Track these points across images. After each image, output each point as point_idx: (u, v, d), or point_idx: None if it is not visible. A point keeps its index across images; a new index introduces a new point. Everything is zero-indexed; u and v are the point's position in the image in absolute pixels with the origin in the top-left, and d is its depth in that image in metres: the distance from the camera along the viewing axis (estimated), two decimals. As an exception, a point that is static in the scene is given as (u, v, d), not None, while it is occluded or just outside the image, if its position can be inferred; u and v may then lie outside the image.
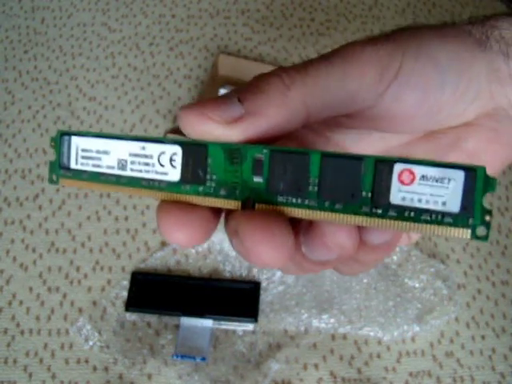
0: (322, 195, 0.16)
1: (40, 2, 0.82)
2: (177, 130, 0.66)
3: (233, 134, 0.17)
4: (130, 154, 0.18)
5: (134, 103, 0.72)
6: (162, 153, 0.18)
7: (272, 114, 0.18)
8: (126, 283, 0.57)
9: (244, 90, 0.18)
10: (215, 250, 0.60)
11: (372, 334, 0.55)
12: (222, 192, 0.17)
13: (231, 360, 0.53)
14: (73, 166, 0.19)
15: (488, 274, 0.61)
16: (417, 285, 0.58)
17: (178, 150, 0.18)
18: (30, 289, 0.57)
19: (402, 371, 0.54)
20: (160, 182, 0.19)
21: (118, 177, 0.19)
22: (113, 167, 0.19)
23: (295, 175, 0.16)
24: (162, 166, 0.18)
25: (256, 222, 0.16)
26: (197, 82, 0.75)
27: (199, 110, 0.18)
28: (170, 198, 0.20)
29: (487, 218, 0.15)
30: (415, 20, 0.84)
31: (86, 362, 0.53)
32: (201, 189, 0.18)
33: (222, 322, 0.55)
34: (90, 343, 0.54)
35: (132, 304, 0.55)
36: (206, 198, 0.18)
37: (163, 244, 0.60)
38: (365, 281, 0.57)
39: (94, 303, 0.56)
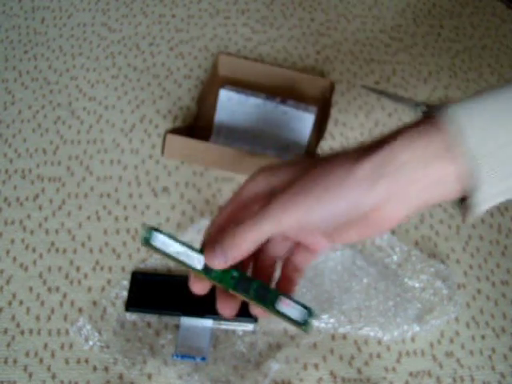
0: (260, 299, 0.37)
1: (40, 1, 0.82)
2: (176, 130, 0.66)
3: (225, 267, 0.36)
4: (179, 252, 0.37)
5: (133, 103, 0.72)
6: (198, 258, 0.36)
7: (239, 255, 0.35)
8: (126, 283, 0.57)
9: (224, 245, 0.35)
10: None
11: (372, 333, 0.55)
12: (216, 277, 0.37)
13: (231, 360, 0.53)
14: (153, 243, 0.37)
15: (488, 273, 0.61)
16: (417, 285, 0.58)
17: (202, 258, 0.36)
18: (30, 289, 0.57)
19: (402, 371, 0.54)
20: (193, 267, 0.37)
21: (174, 257, 0.37)
22: (173, 252, 0.37)
23: (244, 285, 0.37)
24: (195, 261, 0.37)
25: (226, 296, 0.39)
26: (197, 81, 0.75)
27: (208, 261, 0.36)
28: (198, 276, 0.38)
29: (311, 321, 0.37)
30: (415, 20, 0.84)
31: (86, 362, 0.53)
32: (209, 275, 0.37)
33: (222, 322, 0.55)
34: (90, 343, 0.54)
35: (132, 304, 0.55)
36: (209, 279, 0.37)
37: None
38: (365, 281, 0.57)
39: (94, 303, 0.56)
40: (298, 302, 0.36)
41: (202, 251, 0.36)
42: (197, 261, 0.36)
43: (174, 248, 0.36)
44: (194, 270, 0.36)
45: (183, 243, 0.36)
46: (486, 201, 0.33)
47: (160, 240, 0.36)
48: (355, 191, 0.32)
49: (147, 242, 0.36)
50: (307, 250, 0.39)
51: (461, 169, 0.31)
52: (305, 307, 0.36)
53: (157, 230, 0.36)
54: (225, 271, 0.36)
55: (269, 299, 0.36)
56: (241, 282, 0.37)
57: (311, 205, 0.32)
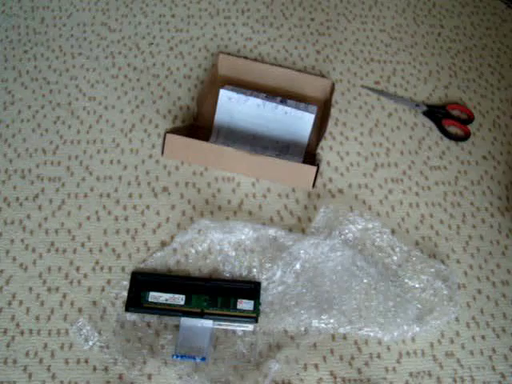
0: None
1: (40, 1, 0.82)
2: (176, 130, 0.66)
3: None
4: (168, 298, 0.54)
5: (133, 103, 0.72)
6: (180, 297, 0.54)
7: None
8: (125, 283, 0.57)
9: None
10: (215, 250, 0.60)
11: (372, 334, 0.55)
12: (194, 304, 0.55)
13: (231, 360, 0.53)
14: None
15: (488, 274, 0.61)
16: (417, 285, 0.58)
17: (183, 298, 0.55)
18: (30, 289, 0.57)
19: (402, 371, 0.54)
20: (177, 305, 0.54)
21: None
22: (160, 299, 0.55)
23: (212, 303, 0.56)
24: (178, 300, 0.54)
25: None
26: (197, 81, 0.75)
27: None
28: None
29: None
30: (415, 20, 0.84)
31: (86, 362, 0.53)
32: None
33: (222, 323, 0.55)
34: (90, 343, 0.54)
35: (132, 304, 0.55)
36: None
37: (163, 244, 0.60)
38: (365, 281, 0.57)
39: (94, 303, 0.56)
40: (249, 300, 0.54)
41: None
42: (180, 299, 0.54)
43: (161, 297, 0.54)
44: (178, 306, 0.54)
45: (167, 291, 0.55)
46: None
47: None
48: None
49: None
50: None
51: None
52: (254, 302, 0.54)
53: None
54: (200, 297, 0.54)
55: (231, 305, 0.54)
56: (211, 302, 0.55)
57: None
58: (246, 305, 0.53)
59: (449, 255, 0.62)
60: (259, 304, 0.54)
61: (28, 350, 0.54)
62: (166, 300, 0.53)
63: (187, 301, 0.54)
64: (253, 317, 0.54)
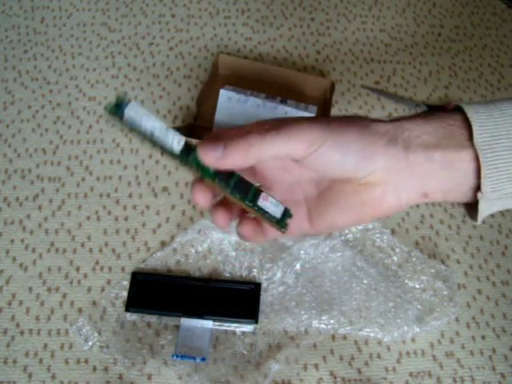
0: (239, 193, 0.33)
1: (40, 1, 0.82)
2: (176, 130, 0.66)
3: (214, 165, 0.32)
4: (155, 127, 0.32)
5: (133, 103, 0.72)
6: (177, 138, 0.33)
7: (235, 161, 0.32)
8: (126, 283, 0.57)
9: (228, 143, 0.31)
10: (215, 250, 0.60)
11: (372, 334, 0.55)
12: (194, 161, 0.33)
13: (231, 360, 0.53)
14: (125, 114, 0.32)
15: (488, 274, 0.61)
16: (417, 285, 0.58)
17: (182, 139, 0.33)
18: (30, 289, 0.57)
19: (402, 371, 0.54)
20: (169, 147, 0.32)
21: (145, 134, 0.32)
22: (147, 128, 0.32)
23: (223, 175, 0.33)
24: (172, 142, 0.32)
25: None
26: (197, 81, 0.75)
27: (202, 150, 0.32)
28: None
29: (288, 221, 0.35)
30: (415, 20, 0.84)
31: (86, 362, 0.53)
32: (185, 160, 0.33)
33: (222, 323, 0.55)
34: (90, 343, 0.54)
35: (132, 304, 0.55)
36: (184, 163, 0.33)
37: (163, 244, 0.60)
38: (365, 282, 0.57)
39: (94, 303, 0.56)
40: (277, 200, 0.34)
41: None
42: (175, 141, 0.32)
43: (149, 122, 0.31)
44: (169, 151, 0.32)
45: (161, 120, 0.32)
46: (488, 200, 0.33)
47: (133, 110, 0.31)
48: (374, 141, 0.32)
49: (117, 110, 0.31)
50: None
51: (471, 161, 0.32)
52: (284, 207, 0.35)
53: (129, 100, 0.32)
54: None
55: (250, 193, 0.34)
56: (219, 173, 0.33)
57: (331, 132, 0.32)
58: (273, 207, 0.34)
59: (449, 255, 0.62)
60: (290, 215, 0.35)
61: (28, 350, 0.54)
62: (153, 128, 0.32)
63: (185, 152, 0.33)
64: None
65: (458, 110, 0.34)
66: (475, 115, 0.32)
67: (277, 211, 0.34)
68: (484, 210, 0.33)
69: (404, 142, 0.32)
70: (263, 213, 0.34)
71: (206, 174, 0.33)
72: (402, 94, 0.76)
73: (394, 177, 0.33)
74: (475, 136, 0.32)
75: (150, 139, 0.32)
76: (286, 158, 0.33)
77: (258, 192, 0.34)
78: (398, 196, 0.34)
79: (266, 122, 0.33)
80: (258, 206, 0.34)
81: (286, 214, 0.34)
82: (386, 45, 0.81)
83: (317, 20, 0.83)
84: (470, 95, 0.76)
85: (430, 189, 0.33)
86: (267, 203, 0.34)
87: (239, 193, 0.33)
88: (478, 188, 0.33)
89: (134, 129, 0.32)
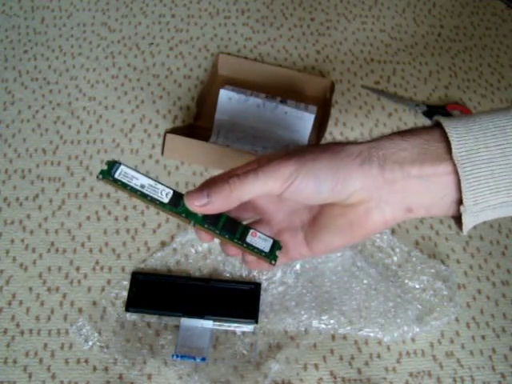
0: (228, 233, 0.37)
1: (40, 1, 0.82)
2: (176, 130, 0.66)
3: (201, 212, 0.35)
4: (149, 185, 0.35)
5: (133, 103, 0.72)
6: (165, 191, 0.35)
7: (219, 205, 0.34)
8: (126, 283, 0.57)
9: (211, 189, 0.34)
10: (215, 250, 0.60)
11: (372, 334, 0.55)
12: (183, 211, 0.36)
13: (231, 360, 0.53)
14: (116, 176, 0.35)
15: (488, 274, 0.61)
16: (417, 286, 0.58)
17: (170, 191, 0.36)
18: (30, 289, 0.57)
19: (402, 371, 0.54)
20: (157, 200, 0.35)
21: (136, 190, 0.35)
22: (137, 185, 0.35)
23: (211, 218, 0.36)
24: (161, 194, 0.35)
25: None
26: (197, 81, 0.75)
27: (189, 199, 0.35)
28: (160, 210, 0.36)
29: (277, 253, 0.37)
30: (415, 20, 0.84)
31: (86, 362, 0.53)
32: (174, 209, 0.36)
33: (223, 323, 0.55)
34: (90, 343, 0.54)
35: (132, 304, 0.55)
36: (173, 213, 0.36)
37: (163, 244, 0.60)
38: (365, 282, 0.57)
39: (94, 303, 0.56)
40: (266, 235, 0.37)
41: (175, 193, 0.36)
42: (164, 194, 0.35)
43: (137, 181, 0.35)
44: (159, 203, 0.35)
45: (149, 177, 0.35)
46: (471, 213, 0.33)
47: (122, 173, 0.34)
48: (346, 163, 0.33)
49: (108, 174, 0.34)
50: (285, 253, 0.39)
51: (450, 174, 0.33)
52: (273, 240, 0.37)
53: (120, 162, 0.35)
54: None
55: (238, 232, 0.36)
56: (208, 216, 0.35)
57: (303, 165, 0.33)
58: (261, 242, 0.37)
59: (449, 255, 0.62)
60: (279, 247, 0.38)
61: (28, 350, 0.54)
62: (142, 186, 0.35)
63: (174, 203, 0.36)
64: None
65: (437, 125, 0.34)
66: (453, 129, 0.32)
67: (266, 245, 0.37)
68: (468, 223, 0.34)
69: (380, 160, 0.33)
70: (252, 249, 0.36)
71: (195, 220, 0.35)
72: (401, 94, 0.76)
73: (375, 194, 0.33)
74: (453, 149, 0.32)
75: (141, 195, 0.35)
76: (263, 196, 0.36)
77: (246, 229, 0.37)
78: (382, 213, 0.34)
79: (248, 164, 0.36)
80: (247, 243, 0.36)
81: (276, 246, 0.37)
82: (386, 45, 0.81)
83: (317, 20, 0.83)
84: (469, 95, 0.77)
85: (413, 204, 0.34)
86: (256, 239, 0.36)
87: (228, 233, 0.36)
88: (460, 201, 0.33)
89: (125, 189, 0.34)
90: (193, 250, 0.60)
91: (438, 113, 0.73)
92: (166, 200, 0.35)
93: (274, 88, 0.74)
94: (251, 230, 0.37)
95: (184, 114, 0.71)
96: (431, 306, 0.57)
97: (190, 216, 0.35)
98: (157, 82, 0.74)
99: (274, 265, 0.37)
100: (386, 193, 0.33)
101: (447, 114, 0.73)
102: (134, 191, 0.34)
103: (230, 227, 0.36)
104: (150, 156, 0.67)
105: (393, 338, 0.55)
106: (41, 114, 0.70)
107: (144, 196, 0.34)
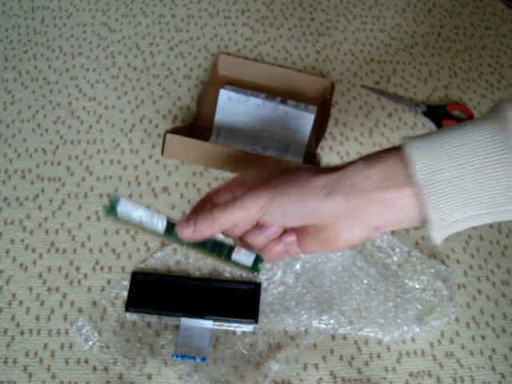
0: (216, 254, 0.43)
1: (40, 1, 0.82)
2: (176, 130, 0.66)
3: (190, 239, 0.40)
4: (146, 215, 0.40)
5: (133, 103, 0.72)
6: (161, 220, 0.40)
7: (204, 233, 0.39)
8: (126, 283, 0.57)
9: (197, 219, 0.39)
10: (215, 250, 0.60)
11: (372, 334, 0.55)
12: (175, 238, 0.41)
13: (231, 360, 0.53)
14: (118, 211, 0.40)
15: (488, 274, 0.61)
16: (417, 285, 0.58)
17: (164, 219, 0.41)
18: (30, 289, 0.57)
19: (402, 371, 0.54)
20: (155, 229, 0.41)
21: (136, 224, 0.40)
22: (136, 220, 0.40)
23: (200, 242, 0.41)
24: (157, 224, 0.40)
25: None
26: (197, 81, 0.75)
27: (179, 228, 0.40)
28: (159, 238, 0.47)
29: (259, 266, 0.42)
30: (415, 20, 0.84)
31: (86, 362, 0.53)
32: (169, 236, 0.41)
33: (223, 323, 0.55)
34: (90, 343, 0.54)
35: (132, 304, 0.55)
36: (168, 239, 0.41)
37: (163, 244, 0.60)
38: (365, 282, 0.57)
39: (94, 303, 0.56)
40: (248, 251, 0.42)
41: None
42: (160, 223, 0.41)
43: (137, 212, 0.40)
44: (155, 232, 0.41)
45: (144, 207, 0.40)
46: (438, 229, 0.34)
47: (124, 205, 0.40)
48: (312, 196, 0.36)
49: (112, 212, 0.40)
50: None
51: (413, 196, 0.34)
52: (256, 254, 0.42)
53: (119, 197, 0.40)
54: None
55: (224, 251, 0.42)
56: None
57: (274, 197, 0.37)
58: (245, 257, 0.42)
59: (449, 255, 0.62)
60: (261, 260, 0.43)
61: (28, 350, 0.54)
62: (141, 218, 0.40)
63: (168, 231, 0.41)
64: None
65: (400, 147, 0.35)
66: (414, 151, 0.33)
67: (249, 260, 0.42)
68: (437, 237, 0.35)
69: (346, 189, 0.36)
70: (237, 264, 0.42)
71: (186, 245, 0.41)
72: (401, 94, 0.76)
73: (341, 219, 0.36)
74: (414, 173, 0.33)
75: (139, 225, 0.40)
76: (242, 223, 0.40)
77: (231, 248, 0.42)
78: (351, 233, 0.37)
79: (225, 189, 0.40)
80: (232, 261, 0.42)
81: (258, 260, 0.42)
82: (386, 45, 0.81)
83: (317, 20, 0.83)
84: (469, 95, 0.77)
85: (380, 224, 0.36)
86: (240, 255, 0.42)
87: (216, 254, 0.42)
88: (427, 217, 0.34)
89: (126, 221, 0.40)
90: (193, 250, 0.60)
91: (438, 113, 0.73)
92: (161, 230, 0.41)
93: (274, 88, 0.74)
94: (235, 248, 0.42)
95: (184, 114, 0.71)
96: (431, 306, 0.57)
97: (181, 242, 0.41)
98: (157, 82, 0.74)
99: (257, 275, 0.44)
100: (352, 218, 0.36)
101: (447, 114, 0.73)
102: (132, 223, 0.40)
103: (216, 248, 0.42)
104: (150, 156, 0.67)
105: (393, 338, 0.55)
106: (41, 113, 0.70)
107: (143, 228, 0.40)
